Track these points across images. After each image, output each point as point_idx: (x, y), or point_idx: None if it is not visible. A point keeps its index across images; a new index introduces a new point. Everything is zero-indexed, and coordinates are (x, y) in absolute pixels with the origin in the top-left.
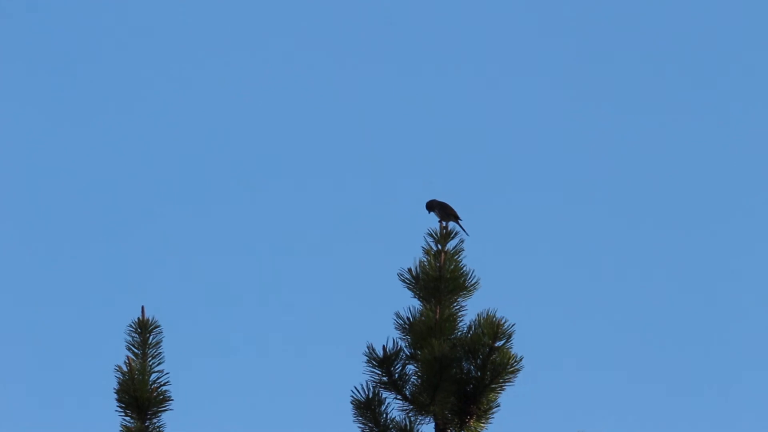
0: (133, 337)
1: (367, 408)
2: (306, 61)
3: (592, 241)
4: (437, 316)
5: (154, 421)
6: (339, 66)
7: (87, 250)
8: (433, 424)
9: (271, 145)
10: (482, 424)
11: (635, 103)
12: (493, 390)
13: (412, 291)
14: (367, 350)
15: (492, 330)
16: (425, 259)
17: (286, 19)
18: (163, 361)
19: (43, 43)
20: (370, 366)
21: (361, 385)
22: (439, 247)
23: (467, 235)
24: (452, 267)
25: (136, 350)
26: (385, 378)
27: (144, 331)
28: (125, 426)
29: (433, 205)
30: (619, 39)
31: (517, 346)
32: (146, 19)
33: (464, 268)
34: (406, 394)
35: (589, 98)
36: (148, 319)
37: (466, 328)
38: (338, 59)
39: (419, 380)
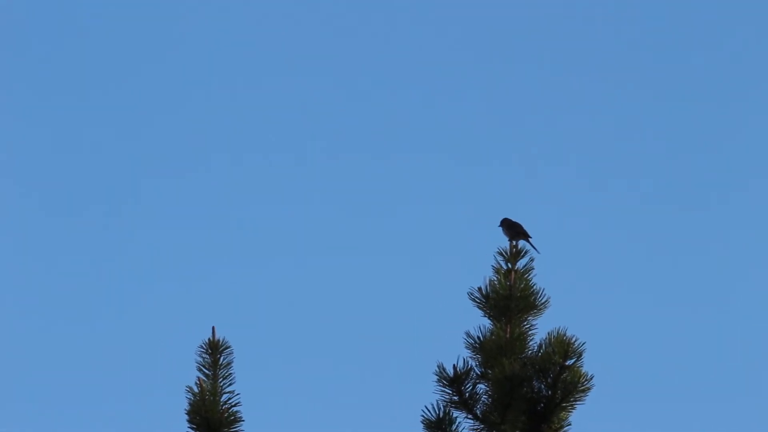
0: (203, 357)
1: (438, 427)
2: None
3: (662, 258)
4: (508, 335)
5: None
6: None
7: (161, 280)
8: None
9: (327, 167)
10: None
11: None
12: (564, 409)
13: (483, 310)
14: (437, 369)
15: (562, 348)
16: (495, 278)
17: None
18: (234, 382)
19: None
20: (440, 385)
21: (432, 404)
22: (509, 265)
23: (538, 253)
24: (522, 286)
25: (206, 371)
26: (455, 397)
27: (215, 352)
28: None
29: (503, 225)
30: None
31: (588, 365)
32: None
33: (534, 287)
34: (476, 414)
35: (665, 112)
36: (218, 340)
37: (536, 347)
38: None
39: (490, 399)
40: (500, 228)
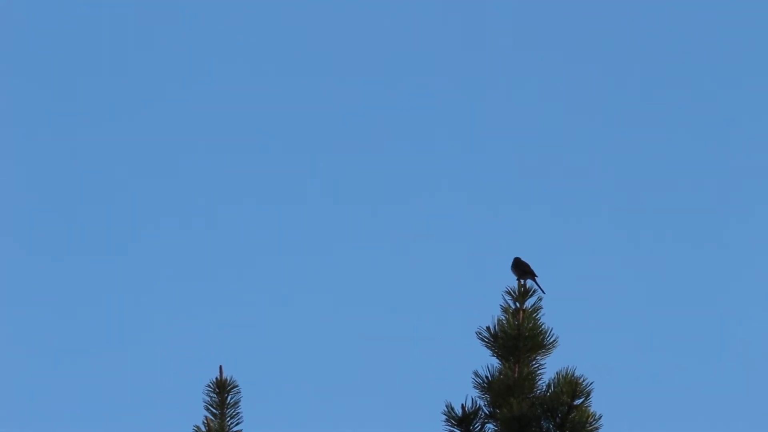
0: (211, 397)
1: None
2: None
3: (671, 297)
4: (516, 375)
5: None
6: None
7: (162, 312)
8: None
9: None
10: None
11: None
12: None
13: (491, 349)
14: (445, 409)
15: (571, 388)
16: (504, 318)
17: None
18: (241, 422)
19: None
20: (449, 425)
21: None
22: (518, 305)
23: (544, 293)
24: (531, 325)
25: (214, 410)
26: None
27: (222, 391)
28: None
29: (512, 264)
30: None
31: (596, 405)
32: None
33: (542, 326)
34: None
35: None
36: (226, 379)
37: (544, 387)
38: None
39: None
40: (510, 267)
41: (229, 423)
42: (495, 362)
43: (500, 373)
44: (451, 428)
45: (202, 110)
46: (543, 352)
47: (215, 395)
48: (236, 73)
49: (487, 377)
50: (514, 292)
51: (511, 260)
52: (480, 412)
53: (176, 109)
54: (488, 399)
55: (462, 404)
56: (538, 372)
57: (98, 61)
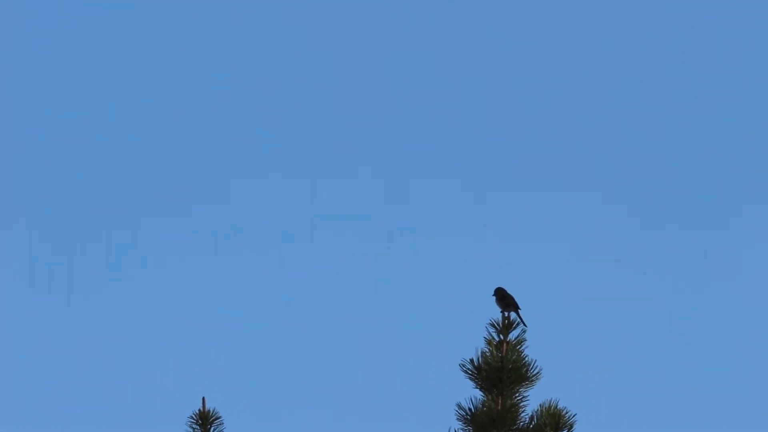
0: (194, 428)
1: None
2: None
3: (654, 327)
4: (499, 407)
5: None
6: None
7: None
8: None
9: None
10: None
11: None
12: None
13: (474, 381)
14: None
15: (554, 420)
16: (487, 350)
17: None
18: None
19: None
20: None
21: None
22: (501, 337)
23: (525, 326)
24: (514, 357)
25: None
26: None
27: (205, 423)
28: None
29: (496, 294)
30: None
31: None
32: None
33: (526, 359)
34: None
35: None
36: (209, 411)
37: (528, 419)
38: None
39: None
40: (494, 297)
41: None
42: (478, 394)
43: (483, 405)
44: None
45: (202, 129)
46: (526, 385)
47: (198, 427)
48: (230, 93)
49: (470, 409)
50: (498, 325)
51: (494, 290)
52: None
53: (177, 135)
54: (471, 431)
55: None
56: (522, 404)
57: (98, 67)
